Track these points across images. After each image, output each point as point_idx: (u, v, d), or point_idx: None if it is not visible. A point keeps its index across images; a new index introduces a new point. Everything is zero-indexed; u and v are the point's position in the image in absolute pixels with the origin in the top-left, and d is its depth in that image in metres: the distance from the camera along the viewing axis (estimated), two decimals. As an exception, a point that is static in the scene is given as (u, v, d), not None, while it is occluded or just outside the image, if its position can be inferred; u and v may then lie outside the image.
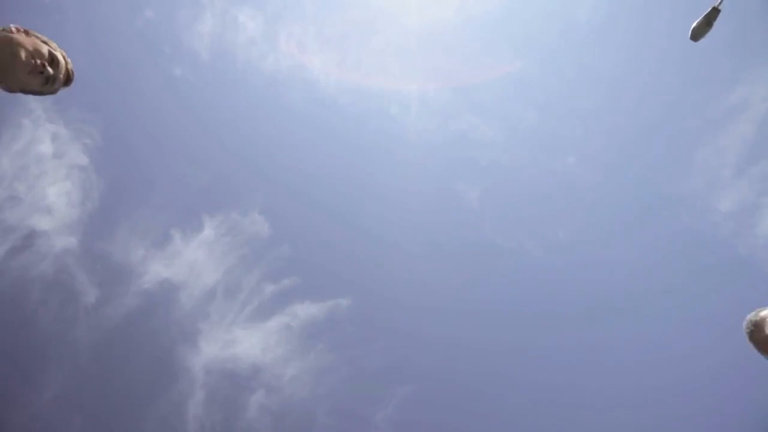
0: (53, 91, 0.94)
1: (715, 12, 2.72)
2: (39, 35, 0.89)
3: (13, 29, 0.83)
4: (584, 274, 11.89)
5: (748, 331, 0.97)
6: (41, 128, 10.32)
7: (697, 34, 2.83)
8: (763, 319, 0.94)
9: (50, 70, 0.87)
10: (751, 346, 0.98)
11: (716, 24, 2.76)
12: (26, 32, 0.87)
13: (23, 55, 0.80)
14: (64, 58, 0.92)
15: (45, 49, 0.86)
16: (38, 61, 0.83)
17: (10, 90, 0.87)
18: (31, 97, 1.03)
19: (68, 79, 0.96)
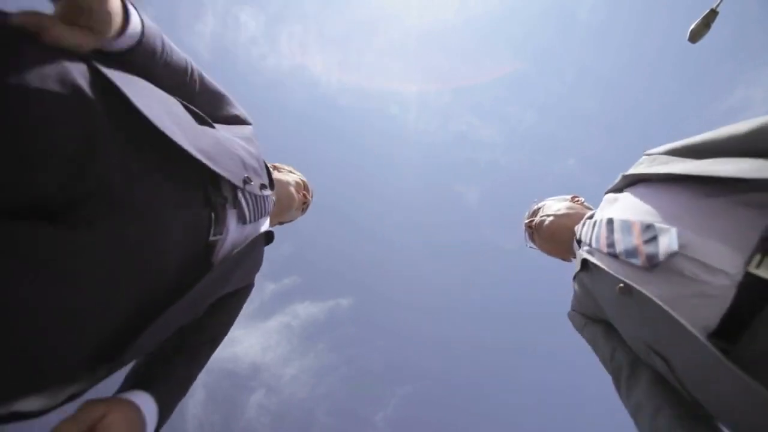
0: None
1: (713, 14, 2.75)
2: (283, 165, 0.81)
3: (270, 167, 0.71)
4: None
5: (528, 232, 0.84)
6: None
7: (696, 35, 2.86)
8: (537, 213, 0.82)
9: (311, 198, 0.82)
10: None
11: (714, 26, 2.78)
12: (278, 168, 0.79)
13: (294, 192, 0.75)
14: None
15: (300, 179, 0.80)
16: (305, 194, 0.78)
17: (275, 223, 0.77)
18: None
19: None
